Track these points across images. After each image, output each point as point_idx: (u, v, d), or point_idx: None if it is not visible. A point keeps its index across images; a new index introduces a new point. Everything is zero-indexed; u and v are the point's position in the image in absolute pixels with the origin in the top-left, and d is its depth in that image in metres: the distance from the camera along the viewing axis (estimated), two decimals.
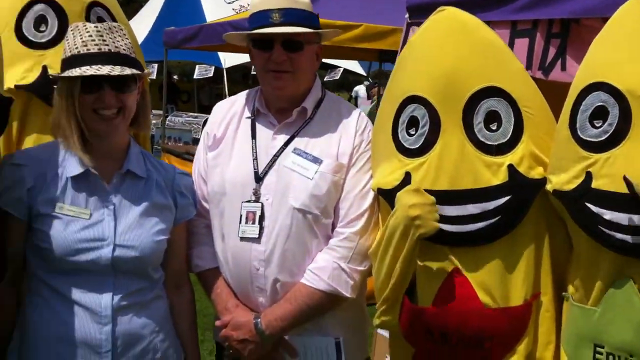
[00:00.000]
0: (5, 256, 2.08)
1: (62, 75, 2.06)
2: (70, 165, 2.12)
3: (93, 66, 2.02)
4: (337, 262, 2.21)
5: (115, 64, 2.04)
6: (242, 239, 2.25)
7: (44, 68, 2.47)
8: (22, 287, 2.17)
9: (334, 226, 2.25)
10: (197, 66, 13.91)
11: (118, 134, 2.16)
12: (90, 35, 2.03)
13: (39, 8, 2.49)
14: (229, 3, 13.38)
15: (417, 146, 2.00)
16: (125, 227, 2.11)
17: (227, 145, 2.37)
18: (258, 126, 2.35)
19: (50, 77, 2.11)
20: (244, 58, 12.90)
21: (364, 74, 16.20)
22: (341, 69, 15.46)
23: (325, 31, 2.34)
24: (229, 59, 12.92)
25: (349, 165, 2.25)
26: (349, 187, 2.24)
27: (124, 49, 2.08)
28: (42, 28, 2.52)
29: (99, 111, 2.07)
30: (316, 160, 2.23)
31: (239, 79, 17.59)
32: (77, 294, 2.05)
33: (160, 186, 2.24)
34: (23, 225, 2.11)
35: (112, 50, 2.05)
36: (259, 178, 2.26)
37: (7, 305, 2.12)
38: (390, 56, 9.04)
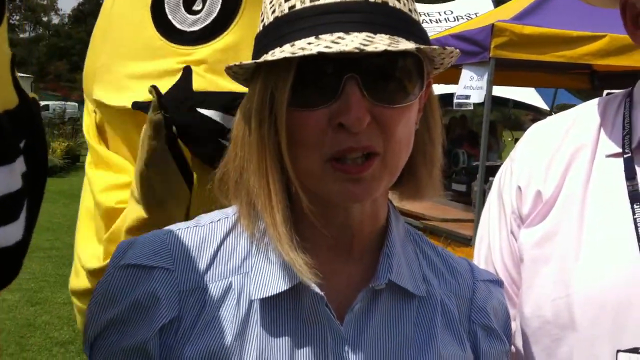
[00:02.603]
0: None
1: (256, 61, 0.86)
2: (273, 272, 0.91)
3: (323, 36, 0.82)
4: None
5: (376, 30, 0.83)
6: None
7: (186, 71, 1.35)
8: None
9: None
10: None
11: (368, 202, 0.93)
12: None
13: None
14: None
15: None
16: None
17: (570, 215, 1.17)
18: None
19: (229, 70, 0.83)
20: None
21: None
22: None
23: None
24: None
25: None
26: None
27: None
28: (197, 6, 1.41)
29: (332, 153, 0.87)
30: None
31: None
32: None
33: (450, 315, 1.00)
34: None
35: (371, 0, 0.84)
36: None
37: None
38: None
